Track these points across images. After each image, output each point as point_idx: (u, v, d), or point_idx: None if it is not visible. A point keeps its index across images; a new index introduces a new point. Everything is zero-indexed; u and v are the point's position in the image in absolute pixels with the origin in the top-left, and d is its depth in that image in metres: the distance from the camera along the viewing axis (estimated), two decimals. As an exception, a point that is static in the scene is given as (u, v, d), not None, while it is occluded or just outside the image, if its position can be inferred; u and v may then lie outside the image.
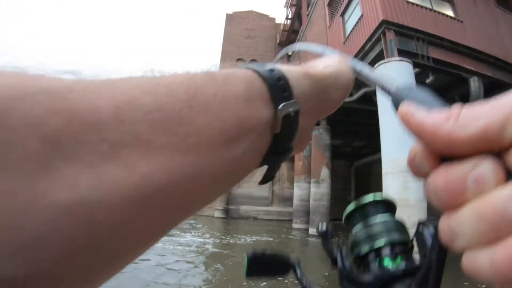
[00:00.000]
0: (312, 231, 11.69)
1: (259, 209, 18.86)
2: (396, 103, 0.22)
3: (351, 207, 0.42)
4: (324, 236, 0.44)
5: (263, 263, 0.43)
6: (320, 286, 0.37)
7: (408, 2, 8.46)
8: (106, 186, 0.15)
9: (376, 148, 8.02)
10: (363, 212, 0.42)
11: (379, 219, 0.40)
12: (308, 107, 0.27)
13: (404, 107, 0.20)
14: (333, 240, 0.43)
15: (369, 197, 0.42)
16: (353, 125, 13.14)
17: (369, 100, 9.88)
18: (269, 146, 0.25)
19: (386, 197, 0.42)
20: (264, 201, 19.32)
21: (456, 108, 0.18)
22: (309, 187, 13.24)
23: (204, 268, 5.97)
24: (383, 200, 0.42)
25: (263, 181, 0.29)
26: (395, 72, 6.59)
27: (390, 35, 7.67)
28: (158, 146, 0.17)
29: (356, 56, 8.77)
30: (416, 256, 0.38)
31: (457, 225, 0.17)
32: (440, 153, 0.19)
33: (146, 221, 0.17)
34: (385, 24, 7.87)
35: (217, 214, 18.40)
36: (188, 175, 0.18)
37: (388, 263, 0.38)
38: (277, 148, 0.25)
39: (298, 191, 14.20)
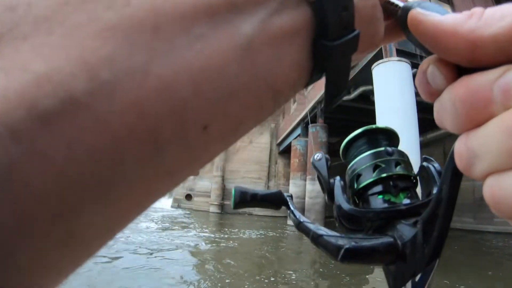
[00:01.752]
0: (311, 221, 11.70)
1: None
2: (404, 16, 0.19)
3: (350, 136, 0.38)
4: (320, 165, 0.39)
5: (252, 200, 0.39)
6: (311, 221, 0.34)
7: (408, 2, 8.45)
8: None
9: (372, 147, 8.02)
10: (363, 143, 0.37)
11: (380, 150, 0.35)
12: None
13: (416, 10, 0.17)
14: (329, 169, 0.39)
15: (370, 127, 0.37)
16: (350, 124, 13.16)
17: (367, 99, 9.90)
18: (314, 30, 0.17)
19: (388, 127, 0.38)
20: (259, 197, 19.33)
21: (477, 8, 0.15)
22: (305, 184, 13.25)
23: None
24: (385, 130, 0.38)
25: (329, 99, 0.21)
26: (393, 72, 6.60)
27: (390, 35, 7.64)
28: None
29: (355, 54, 8.73)
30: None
31: (479, 144, 0.14)
32: (458, 62, 0.16)
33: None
34: (385, 24, 7.80)
35: (212, 209, 18.41)
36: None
37: (390, 198, 0.34)
38: (327, 29, 0.17)
39: (293, 188, 14.20)
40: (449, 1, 9.44)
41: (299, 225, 0.34)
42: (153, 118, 0.12)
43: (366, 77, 7.86)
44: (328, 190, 0.37)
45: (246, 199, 0.39)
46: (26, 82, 0.10)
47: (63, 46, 0.11)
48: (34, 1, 0.12)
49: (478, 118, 0.14)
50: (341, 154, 0.39)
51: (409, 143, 5.87)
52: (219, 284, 4.50)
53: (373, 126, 0.37)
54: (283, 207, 0.42)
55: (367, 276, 4.98)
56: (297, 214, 0.36)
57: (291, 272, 5.30)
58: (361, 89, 9.98)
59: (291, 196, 0.41)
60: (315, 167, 0.39)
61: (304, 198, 12.98)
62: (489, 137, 0.14)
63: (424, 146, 8.11)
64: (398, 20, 0.21)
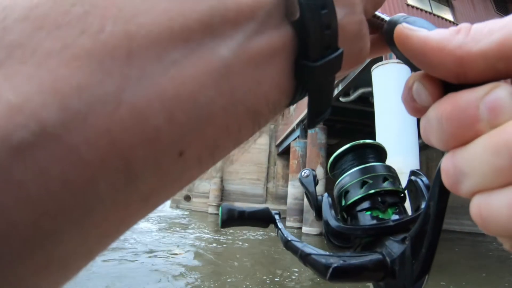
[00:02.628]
0: (305, 229, 11.70)
1: (253, 206, 18.84)
2: (390, 30, 0.19)
3: (337, 152, 0.37)
4: (307, 182, 0.38)
5: (240, 218, 0.38)
6: (299, 240, 0.33)
7: (408, 5, 8.49)
8: None
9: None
10: (350, 158, 0.36)
11: (368, 165, 0.35)
12: None
13: (402, 25, 0.17)
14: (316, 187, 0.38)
15: (357, 142, 0.37)
16: (349, 125, 13.18)
17: (366, 101, 9.90)
18: (296, 50, 0.17)
19: (375, 142, 0.37)
20: (258, 198, 19.33)
21: (464, 24, 0.15)
22: (304, 186, 13.25)
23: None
24: (372, 145, 0.37)
25: (312, 119, 0.21)
26: (393, 74, 6.60)
27: (389, 37, 7.67)
28: None
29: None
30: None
31: (466, 162, 0.14)
32: (445, 78, 0.16)
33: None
34: (385, 26, 7.83)
35: (211, 210, 18.40)
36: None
37: (378, 214, 0.33)
38: (308, 50, 0.16)
39: (292, 190, 14.20)
40: (449, 5, 9.47)
41: (287, 244, 0.34)
42: (126, 147, 0.12)
43: (365, 79, 7.87)
44: (316, 206, 0.37)
45: (233, 217, 0.38)
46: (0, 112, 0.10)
47: (36, 75, 0.11)
48: (9, 26, 0.11)
49: (464, 136, 0.14)
50: (328, 170, 0.38)
51: (408, 145, 5.87)
52: (219, 284, 4.49)
53: (360, 141, 0.37)
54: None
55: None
56: (285, 232, 0.36)
57: (292, 272, 5.29)
58: (360, 91, 9.98)
59: (279, 214, 0.40)
60: (302, 183, 0.39)
61: (303, 200, 12.97)
62: (476, 155, 0.13)
63: (423, 148, 8.11)
64: (383, 34, 0.20)
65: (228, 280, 4.72)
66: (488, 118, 0.13)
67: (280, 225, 0.38)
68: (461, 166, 0.14)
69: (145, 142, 0.12)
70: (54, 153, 0.11)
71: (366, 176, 0.34)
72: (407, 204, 0.35)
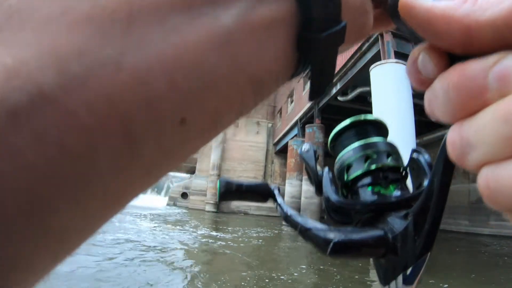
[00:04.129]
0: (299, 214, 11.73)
1: (250, 204, 18.84)
2: (394, 4, 0.18)
3: (338, 127, 0.36)
4: (308, 157, 0.38)
5: (238, 191, 0.37)
6: (298, 213, 0.32)
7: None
8: None
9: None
10: (352, 134, 0.36)
11: (370, 141, 0.34)
12: None
13: None
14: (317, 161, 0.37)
15: (358, 117, 0.36)
16: (347, 125, 13.19)
17: (364, 100, 9.92)
18: (299, 21, 0.16)
19: (377, 118, 0.36)
20: (255, 196, 19.37)
21: None
22: (301, 184, 13.28)
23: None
24: (374, 121, 0.36)
25: (314, 91, 0.21)
26: (391, 73, 6.62)
27: (388, 37, 7.67)
28: None
29: (353, 56, 8.78)
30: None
31: (474, 133, 0.13)
32: (451, 49, 0.15)
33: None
34: (383, 25, 7.84)
35: (208, 208, 18.40)
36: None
37: (380, 190, 0.32)
38: (312, 21, 0.16)
39: (289, 188, 14.24)
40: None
41: (287, 218, 0.33)
42: (126, 111, 0.12)
43: (364, 78, 7.88)
44: (316, 181, 0.36)
45: (231, 189, 0.37)
46: None
47: (34, 40, 0.11)
48: None
49: (472, 106, 0.14)
50: (329, 146, 0.37)
51: (406, 145, 5.76)
52: (216, 280, 4.50)
53: (362, 117, 0.35)
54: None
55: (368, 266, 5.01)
56: (285, 207, 0.35)
57: (289, 269, 5.30)
58: (358, 90, 10.01)
59: (278, 188, 0.39)
60: (303, 158, 0.38)
61: (300, 198, 13.00)
62: (485, 125, 0.13)
63: (420, 148, 8.12)
64: (387, 8, 0.20)
65: (223, 278, 4.72)
66: (497, 88, 0.13)
67: (279, 199, 0.37)
68: (468, 137, 0.14)
69: (145, 107, 0.12)
70: (51, 117, 0.10)
71: (369, 151, 0.33)
72: (409, 183, 0.34)
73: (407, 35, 0.19)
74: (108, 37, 0.12)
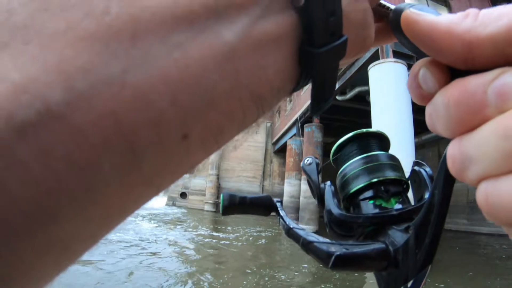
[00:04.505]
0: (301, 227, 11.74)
1: (249, 204, 18.82)
2: (396, 18, 0.18)
3: (340, 140, 0.36)
4: (310, 170, 0.38)
5: (241, 205, 0.38)
6: (301, 227, 0.33)
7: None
8: None
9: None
10: (354, 147, 0.36)
11: (372, 154, 0.35)
12: None
13: (410, 10, 0.17)
14: (320, 175, 0.38)
15: (360, 131, 0.36)
16: (346, 124, 13.21)
17: (362, 99, 9.93)
18: (300, 36, 0.17)
19: (379, 131, 0.37)
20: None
21: (472, 9, 0.15)
22: (300, 184, 13.28)
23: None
24: (376, 134, 0.36)
25: (316, 106, 0.21)
26: (389, 73, 6.62)
27: (386, 36, 7.69)
28: None
29: (351, 55, 8.77)
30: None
31: (474, 148, 0.14)
32: (452, 64, 0.15)
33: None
34: (382, 25, 7.83)
35: (207, 207, 18.40)
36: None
37: (381, 203, 0.33)
38: (313, 36, 0.16)
39: (288, 188, 14.23)
40: (446, 4, 9.51)
41: (289, 231, 0.33)
42: (129, 128, 0.12)
43: (362, 77, 7.89)
44: (318, 195, 0.37)
45: (234, 202, 0.38)
46: (4, 91, 0.10)
47: (40, 56, 0.11)
48: (13, 8, 0.12)
49: (472, 121, 0.14)
50: (331, 159, 0.38)
51: (404, 144, 5.89)
52: (218, 281, 4.50)
53: (364, 130, 0.36)
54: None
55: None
56: (287, 220, 0.35)
57: (289, 269, 5.31)
58: (357, 89, 10.01)
59: (280, 202, 0.40)
60: (305, 171, 0.38)
61: (299, 198, 13.00)
62: (484, 140, 0.13)
63: (418, 147, 8.15)
64: (389, 22, 0.20)
65: (225, 277, 4.72)
66: (496, 103, 0.13)
67: (282, 212, 0.38)
68: (468, 152, 0.14)
69: (149, 124, 0.12)
70: (58, 134, 0.11)
71: (370, 164, 0.34)
72: (410, 195, 0.34)
73: (409, 49, 0.19)
74: (113, 54, 0.12)
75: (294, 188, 13.90)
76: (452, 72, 0.16)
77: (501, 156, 0.13)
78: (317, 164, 0.38)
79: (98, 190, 0.12)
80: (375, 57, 7.36)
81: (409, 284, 0.28)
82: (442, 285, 4.52)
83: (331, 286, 4.57)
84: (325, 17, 0.16)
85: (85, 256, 0.14)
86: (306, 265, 5.71)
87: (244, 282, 4.57)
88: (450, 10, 9.41)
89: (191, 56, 0.13)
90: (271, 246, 8.15)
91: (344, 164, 0.36)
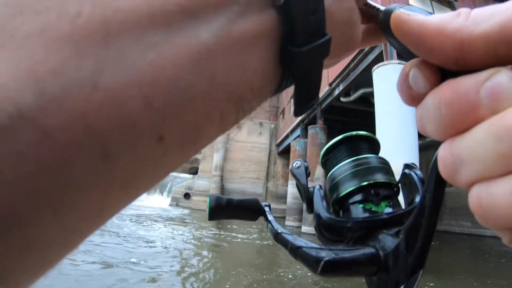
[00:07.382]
0: (304, 229, 11.69)
1: (252, 205, 18.80)
2: (386, 19, 0.18)
3: (330, 143, 0.36)
4: (298, 173, 0.37)
5: (228, 208, 0.37)
6: (289, 232, 0.32)
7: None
8: None
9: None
10: (343, 150, 0.35)
11: (362, 157, 0.34)
12: None
13: (399, 11, 0.16)
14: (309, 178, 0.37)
15: (350, 133, 0.35)
16: (349, 125, 13.18)
17: (366, 101, 9.91)
18: (281, 35, 0.16)
19: (369, 134, 0.36)
20: (257, 197, 19.33)
21: (464, 8, 0.15)
22: (303, 185, 13.25)
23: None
24: (365, 136, 0.36)
25: (299, 107, 0.21)
26: (393, 75, 6.60)
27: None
28: None
29: (355, 57, 8.77)
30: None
31: (466, 150, 0.13)
32: (443, 64, 0.15)
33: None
34: (386, 26, 7.82)
35: (210, 208, 18.38)
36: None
37: (371, 207, 0.32)
38: (294, 35, 0.16)
39: (292, 189, 14.21)
40: (450, 5, 9.47)
41: (277, 236, 0.32)
42: (102, 131, 0.12)
43: (366, 79, 7.87)
44: (307, 198, 0.36)
45: (221, 204, 0.37)
46: None
47: (13, 59, 0.11)
48: None
49: (464, 122, 0.13)
50: (320, 162, 0.37)
51: (408, 146, 5.87)
52: (221, 280, 4.50)
53: (353, 133, 0.36)
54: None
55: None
56: (275, 224, 0.34)
57: (296, 268, 5.29)
58: (361, 91, 9.99)
59: (269, 206, 0.39)
60: (293, 175, 0.38)
61: (302, 199, 12.98)
62: (477, 141, 0.13)
63: (423, 149, 8.11)
64: (379, 23, 0.20)
65: (229, 277, 4.72)
66: (489, 104, 0.12)
67: (270, 217, 0.37)
68: (459, 154, 0.13)
69: (121, 127, 0.12)
70: (29, 137, 0.10)
71: (360, 167, 0.33)
72: (401, 198, 0.34)
73: (399, 50, 0.19)
74: (85, 56, 0.11)
75: (297, 190, 13.88)
76: (443, 73, 0.15)
77: (494, 158, 0.12)
78: (306, 168, 0.38)
79: (71, 193, 0.12)
80: (379, 59, 7.34)
81: None
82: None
83: (346, 282, 4.55)
84: (306, 16, 0.16)
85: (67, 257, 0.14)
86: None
87: (250, 279, 4.56)
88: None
89: (166, 57, 0.13)
90: (276, 244, 8.14)
91: (334, 167, 0.35)
